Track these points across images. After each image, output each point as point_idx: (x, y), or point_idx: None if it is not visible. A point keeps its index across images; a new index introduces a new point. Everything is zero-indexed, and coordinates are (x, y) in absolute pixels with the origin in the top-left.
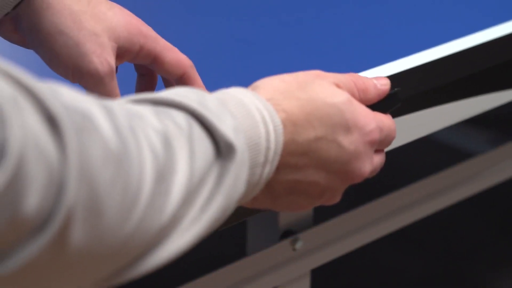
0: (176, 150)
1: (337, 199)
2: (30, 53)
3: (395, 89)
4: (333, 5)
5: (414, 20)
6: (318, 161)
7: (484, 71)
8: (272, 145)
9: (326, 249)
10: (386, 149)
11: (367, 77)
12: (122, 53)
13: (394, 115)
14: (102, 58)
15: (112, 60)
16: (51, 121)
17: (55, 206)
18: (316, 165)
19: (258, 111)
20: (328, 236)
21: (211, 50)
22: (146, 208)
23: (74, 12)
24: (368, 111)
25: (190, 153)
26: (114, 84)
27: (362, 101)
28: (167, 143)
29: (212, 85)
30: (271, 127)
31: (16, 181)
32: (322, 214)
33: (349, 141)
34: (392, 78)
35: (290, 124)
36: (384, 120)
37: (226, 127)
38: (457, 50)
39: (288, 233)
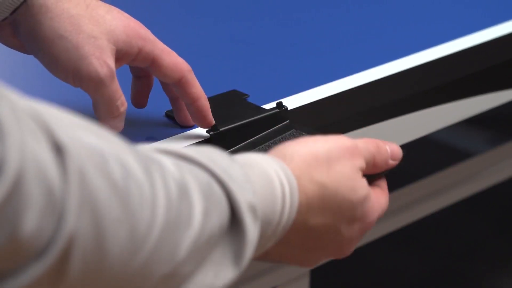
0: (193, 203)
1: (312, 266)
2: (29, 59)
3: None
4: (332, 5)
5: (414, 20)
6: (315, 241)
7: (483, 71)
8: (283, 222)
9: None
10: None
11: (386, 151)
12: (121, 56)
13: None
14: (101, 60)
15: (111, 62)
16: (56, 146)
17: (56, 231)
18: (310, 245)
19: (281, 186)
20: None
21: (209, 51)
22: (153, 254)
23: (72, 16)
24: (376, 204)
25: (205, 210)
26: (115, 87)
27: (369, 172)
28: (184, 193)
29: (210, 86)
30: (288, 204)
31: (14, 199)
32: None
33: (348, 231)
34: (392, 78)
35: (306, 207)
36: (383, 204)
37: (245, 204)
38: (457, 50)
39: None
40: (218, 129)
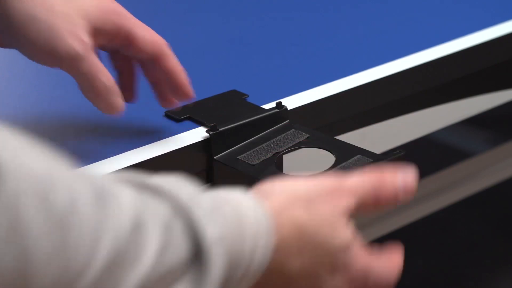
0: (146, 239)
1: None
2: (29, 61)
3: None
4: (332, 5)
5: (414, 20)
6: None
7: (483, 71)
8: (256, 261)
9: None
10: (385, 149)
11: (392, 184)
12: (97, 32)
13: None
14: (74, 35)
15: (85, 37)
16: None
17: None
18: None
19: (255, 224)
20: None
21: (209, 51)
22: None
23: None
24: (363, 258)
25: (162, 245)
26: (94, 60)
27: (370, 208)
28: (137, 228)
29: (209, 86)
30: (261, 244)
31: None
32: None
33: (331, 282)
34: (392, 78)
35: (282, 247)
36: (376, 270)
37: (211, 236)
38: (457, 50)
39: None
40: (218, 129)
